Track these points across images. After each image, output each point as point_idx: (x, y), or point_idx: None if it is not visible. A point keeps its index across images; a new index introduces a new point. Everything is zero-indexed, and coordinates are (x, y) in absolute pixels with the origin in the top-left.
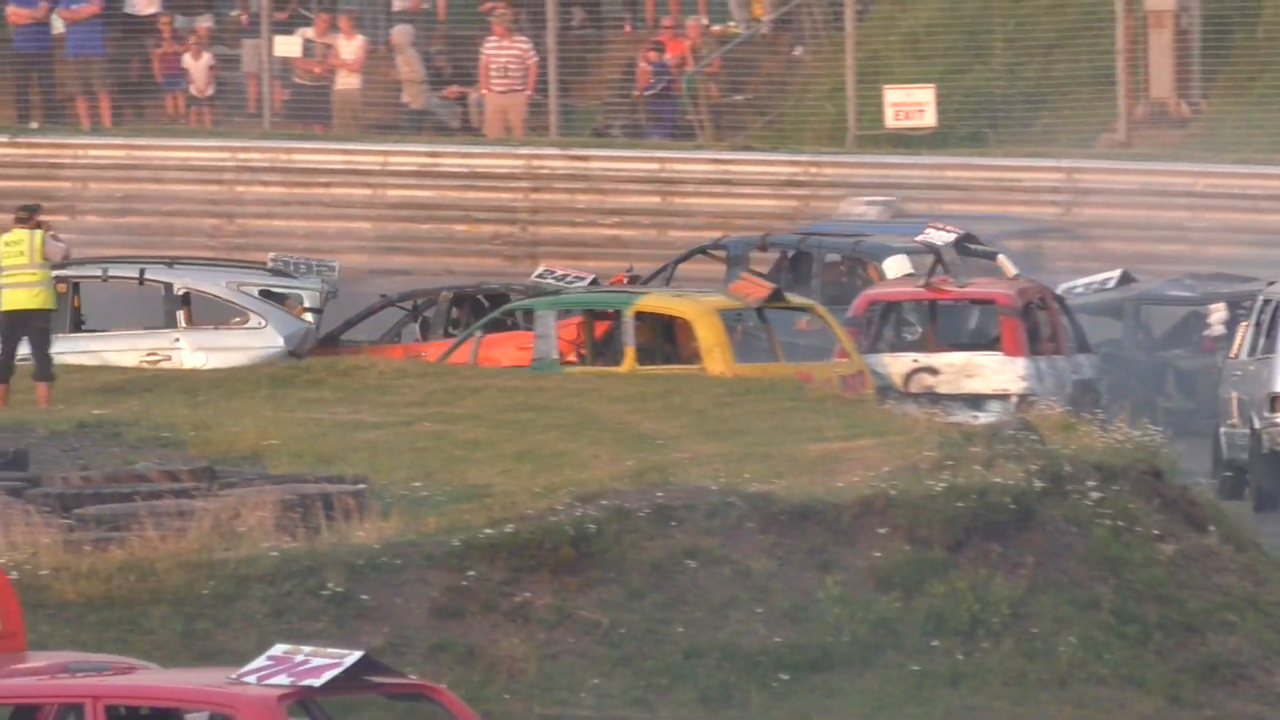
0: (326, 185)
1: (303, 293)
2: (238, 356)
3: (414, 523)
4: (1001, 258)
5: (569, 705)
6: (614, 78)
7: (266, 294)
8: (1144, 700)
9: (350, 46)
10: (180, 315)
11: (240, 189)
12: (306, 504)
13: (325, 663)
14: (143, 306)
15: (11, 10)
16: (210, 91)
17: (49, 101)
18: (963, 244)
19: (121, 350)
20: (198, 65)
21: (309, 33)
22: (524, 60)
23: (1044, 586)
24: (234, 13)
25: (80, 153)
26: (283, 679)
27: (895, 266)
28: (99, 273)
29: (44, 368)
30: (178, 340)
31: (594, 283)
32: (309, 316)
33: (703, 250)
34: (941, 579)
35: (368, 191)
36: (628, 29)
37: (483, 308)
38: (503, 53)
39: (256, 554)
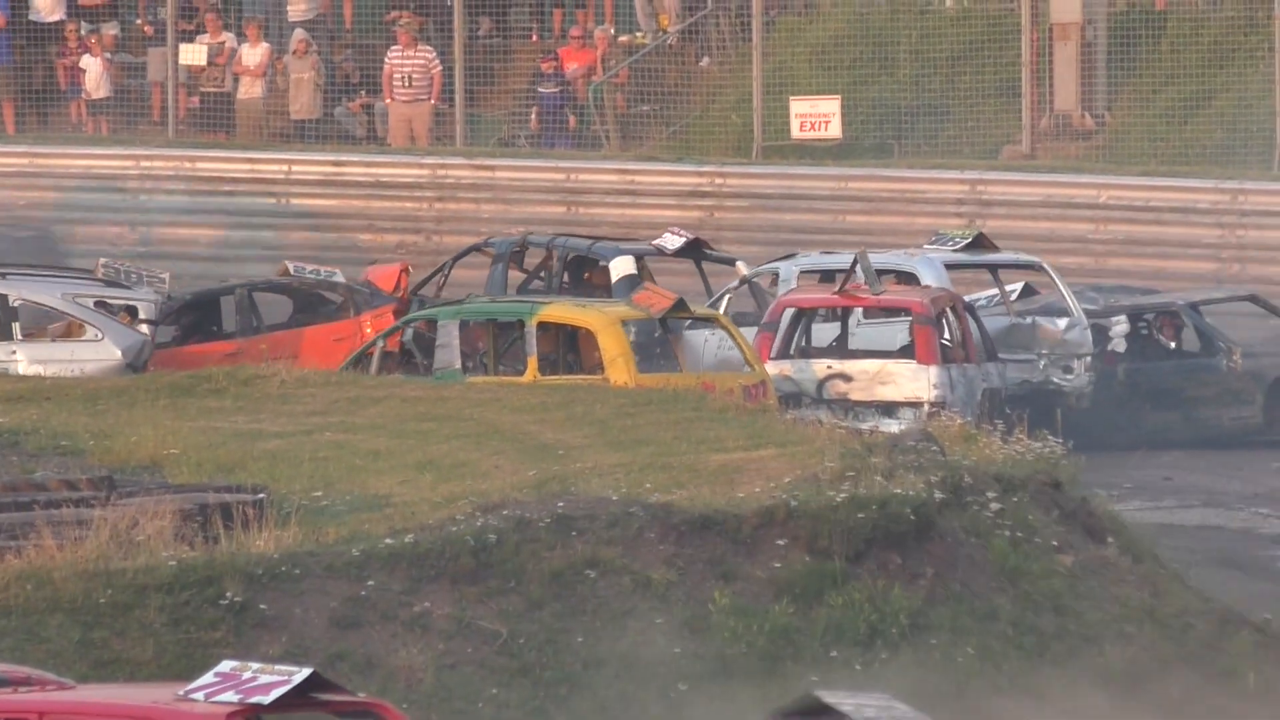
0: (230, 194)
1: (138, 303)
2: (74, 369)
3: (314, 532)
4: (740, 264)
5: (467, 715)
6: (520, 88)
7: (101, 305)
8: (1041, 711)
9: (254, 54)
10: (15, 327)
11: (144, 197)
12: (206, 513)
13: (274, 680)
14: None
15: None
16: (104, 93)
17: None
18: (697, 248)
19: None
20: (92, 66)
21: (213, 39)
22: (429, 69)
23: (943, 597)
24: (138, 21)
25: None
26: (231, 696)
27: (621, 267)
28: None
29: None
30: (14, 352)
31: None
32: (144, 328)
33: (476, 249)
34: (840, 590)
35: (271, 200)
36: (535, 39)
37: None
38: (407, 62)
39: (155, 563)
